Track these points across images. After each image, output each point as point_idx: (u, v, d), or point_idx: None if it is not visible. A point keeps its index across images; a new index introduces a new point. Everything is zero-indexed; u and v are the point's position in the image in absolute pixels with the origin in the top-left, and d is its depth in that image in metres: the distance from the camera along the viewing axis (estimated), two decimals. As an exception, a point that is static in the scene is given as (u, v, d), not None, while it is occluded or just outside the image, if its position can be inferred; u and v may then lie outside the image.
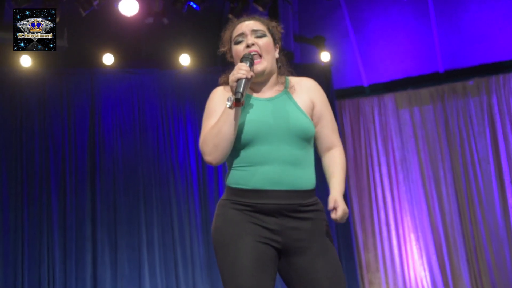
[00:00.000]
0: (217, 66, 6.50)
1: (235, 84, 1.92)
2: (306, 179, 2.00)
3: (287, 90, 2.10)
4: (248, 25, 2.10)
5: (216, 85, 7.31)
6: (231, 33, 2.15)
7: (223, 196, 2.06)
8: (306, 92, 2.11)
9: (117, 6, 5.14)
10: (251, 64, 1.99)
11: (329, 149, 2.12)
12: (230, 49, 2.17)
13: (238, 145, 1.99)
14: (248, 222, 1.96)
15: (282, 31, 2.20)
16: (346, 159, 2.15)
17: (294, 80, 2.15)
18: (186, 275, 6.03)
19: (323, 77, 6.28)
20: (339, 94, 6.63)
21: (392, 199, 6.51)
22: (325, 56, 6.42)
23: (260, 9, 5.31)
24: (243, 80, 1.92)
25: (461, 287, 6.10)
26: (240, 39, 2.09)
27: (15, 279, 5.54)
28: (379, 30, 6.37)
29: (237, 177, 2.00)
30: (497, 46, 6.20)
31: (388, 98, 6.66)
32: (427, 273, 6.22)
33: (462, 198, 6.25)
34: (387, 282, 6.36)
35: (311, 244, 1.97)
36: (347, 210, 1.99)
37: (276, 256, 1.98)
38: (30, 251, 5.63)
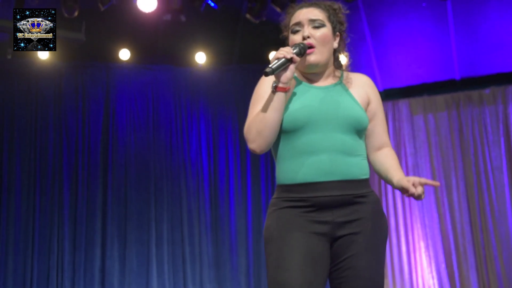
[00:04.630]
0: (232, 65, 6.52)
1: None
2: (359, 168, 1.91)
3: (341, 81, 2.02)
4: (305, 14, 1.97)
5: (230, 84, 7.30)
6: (288, 21, 2.02)
7: (274, 195, 1.97)
8: (362, 87, 2.02)
9: (136, 2, 5.17)
10: (299, 53, 1.88)
11: (380, 148, 2.04)
12: (287, 37, 2.05)
13: (286, 133, 1.91)
14: (299, 217, 1.87)
15: (347, 11, 2.05)
16: None
17: (350, 74, 2.06)
18: (193, 273, 6.04)
19: (338, 80, 6.25)
20: (353, 97, 6.59)
21: (403, 206, 6.46)
22: (341, 58, 6.39)
23: (278, 9, 5.30)
24: (282, 59, 1.82)
25: (469, 297, 6.05)
26: (296, 28, 1.97)
27: (25, 268, 5.60)
28: (397, 34, 6.33)
29: (286, 172, 1.91)
30: (515, 56, 6.14)
31: (403, 104, 6.62)
32: (436, 281, 6.17)
33: (473, 207, 6.19)
34: (394, 289, 6.32)
35: (359, 238, 1.88)
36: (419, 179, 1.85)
37: (328, 251, 1.89)
38: (40, 241, 5.69)
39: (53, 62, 5.99)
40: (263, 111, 1.87)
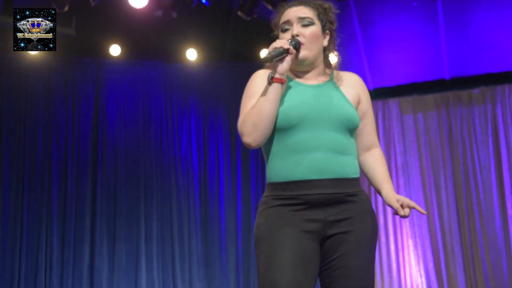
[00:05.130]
0: (223, 61, 6.51)
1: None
2: (351, 167, 1.92)
3: (332, 80, 2.02)
4: (294, 12, 1.98)
5: (221, 81, 7.28)
6: (278, 20, 2.04)
7: (265, 193, 1.96)
8: (353, 86, 2.03)
9: (127, -2, 5.14)
10: (294, 47, 1.89)
11: (369, 148, 2.06)
12: (277, 36, 2.05)
13: (279, 131, 1.90)
14: (290, 215, 1.86)
15: (337, 11, 2.06)
16: None
17: (340, 73, 2.06)
18: (183, 271, 6.03)
19: (329, 79, 6.26)
20: (344, 96, 6.60)
21: (391, 204, 6.48)
22: (331, 58, 6.39)
23: (269, 7, 5.30)
24: (280, 49, 1.84)
25: (457, 295, 6.10)
26: (286, 27, 1.98)
27: (13, 265, 5.56)
28: (387, 33, 6.35)
29: (277, 169, 1.90)
30: (504, 56, 6.19)
31: (393, 103, 6.65)
32: (424, 279, 6.21)
33: (462, 206, 6.24)
34: (383, 287, 6.35)
35: (349, 237, 1.88)
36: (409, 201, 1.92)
37: (318, 250, 1.88)
38: (28, 238, 5.65)
39: (43, 57, 5.95)
40: (258, 104, 1.86)
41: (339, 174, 1.88)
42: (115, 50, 6.07)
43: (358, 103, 2.03)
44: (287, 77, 1.98)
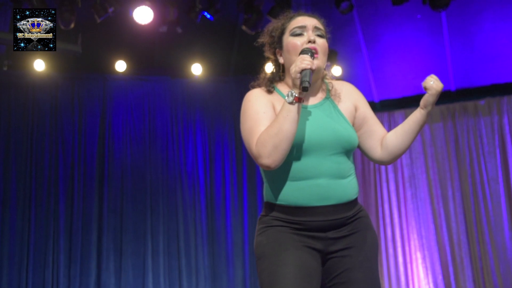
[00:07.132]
0: (228, 76, 6.53)
1: (299, 75, 1.79)
2: (352, 188, 1.93)
3: (329, 96, 2.01)
4: (311, 20, 1.97)
5: (226, 95, 7.29)
6: (287, 23, 1.99)
7: (264, 212, 1.96)
8: (348, 97, 2.02)
9: (132, 14, 5.18)
10: (312, 58, 1.88)
11: (383, 137, 2.01)
12: (275, 39, 2.01)
13: None
14: (292, 234, 1.87)
15: (329, 35, 2.06)
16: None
17: (335, 85, 2.05)
18: (190, 285, 6.01)
19: (334, 91, 6.26)
20: (349, 108, 6.59)
21: (399, 216, 6.46)
22: (336, 71, 6.41)
23: (274, 21, 5.32)
24: (309, 71, 1.80)
25: (466, 308, 6.03)
26: (299, 31, 1.95)
27: (19, 281, 5.56)
28: (392, 46, 6.36)
29: (279, 193, 1.90)
30: (510, 66, 6.18)
31: (399, 115, 6.64)
32: (433, 292, 6.16)
33: (470, 218, 6.20)
34: (391, 300, 6.30)
35: (352, 252, 1.89)
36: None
37: (321, 267, 1.90)
38: (35, 254, 5.65)
39: (49, 73, 5.99)
40: (278, 124, 1.80)
41: (342, 199, 1.89)
42: (120, 66, 6.10)
43: (356, 111, 2.02)
44: (283, 96, 1.95)
